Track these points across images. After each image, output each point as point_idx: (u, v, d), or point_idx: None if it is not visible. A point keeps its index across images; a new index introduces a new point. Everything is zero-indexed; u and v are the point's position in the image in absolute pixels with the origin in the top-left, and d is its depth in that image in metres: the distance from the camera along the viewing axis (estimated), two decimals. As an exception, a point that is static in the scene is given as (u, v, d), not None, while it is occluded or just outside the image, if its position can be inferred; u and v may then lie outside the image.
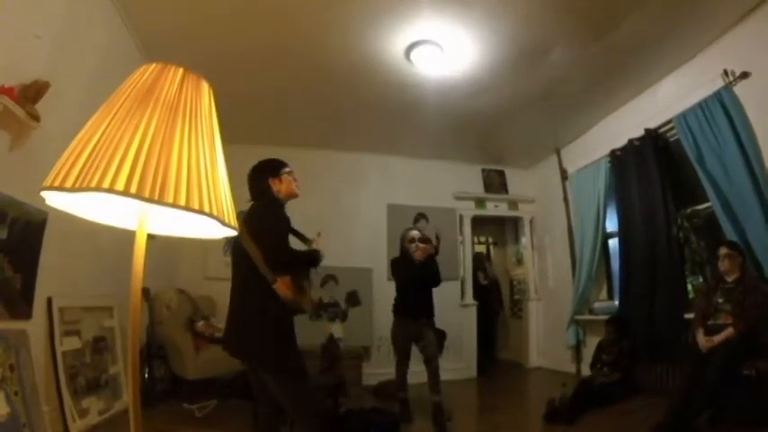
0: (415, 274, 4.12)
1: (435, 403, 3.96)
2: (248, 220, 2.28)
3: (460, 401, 4.93)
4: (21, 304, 2.77)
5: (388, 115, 5.61)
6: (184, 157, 0.96)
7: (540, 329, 6.99)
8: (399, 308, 4.24)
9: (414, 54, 4.23)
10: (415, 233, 4.27)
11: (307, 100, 5.26)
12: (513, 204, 7.39)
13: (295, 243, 2.51)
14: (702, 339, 3.33)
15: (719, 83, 3.93)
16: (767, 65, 3.60)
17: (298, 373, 2.24)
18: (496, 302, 7.54)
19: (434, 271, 4.25)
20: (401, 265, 4.24)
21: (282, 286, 2.20)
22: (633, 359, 4.57)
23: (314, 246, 2.57)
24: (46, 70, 2.74)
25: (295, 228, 2.51)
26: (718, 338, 3.23)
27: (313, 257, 2.47)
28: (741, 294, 3.30)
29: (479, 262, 7.57)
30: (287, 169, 2.50)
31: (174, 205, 0.90)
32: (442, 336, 4.39)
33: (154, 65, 1.05)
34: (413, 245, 4.18)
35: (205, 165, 1.00)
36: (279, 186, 2.43)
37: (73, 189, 0.87)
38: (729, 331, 3.20)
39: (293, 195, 2.50)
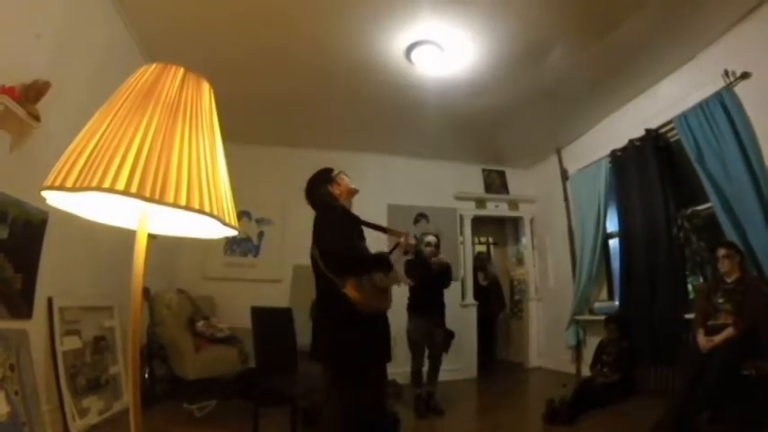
0: (430, 275, 4.42)
1: (430, 392, 4.42)
2: (313, 230, 2.39)
3: (460, 401, 4.92)
4: (21, 304, 2.77)
5: (389, 115, 5.60)
6: (185, 156, 0.96)
7: (540, 329, 6.99)
8: (414, 307, 4.57)
9: (414, 54, 4.22)
10: (431, 238, 4.67)
11: (307, 100, 5.25)
12: (514, 204, 7.38)
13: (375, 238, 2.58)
14: (703, 340, 3.33)
15: (720, 83, 3.92)
16: (768, 65, 3.61)
17: (344, 382, 2.26)
18: (497, 302, 7.53)
19: (448, 275, 4.64)
20: (417, 267, 4.45)
21: (350, 289, 2.20)
22: (633, 359, 4.57)
23: (401, 239, 2.47)
24: (46, 70, 2.74)
25: (369, 221, 2.58)
26: (718, 338, 3.23)
27: (379, 261, 2.37)
28: (741, 294, 3.30)
29: (480, 262, 7.57)
30: (339, 174, 2.60)
31: (175, 205, 0.90)
32: (450, 335, 4.64)
33: (154, 65, 1.05)
34: (429, 248, 4.57)
35: (206, 164, 1.00)
36: (338, 189, 2.54)
37: (73, 189, 0.87)
38: (729, 331, 3.20)
39: (353, 192, 2.60)
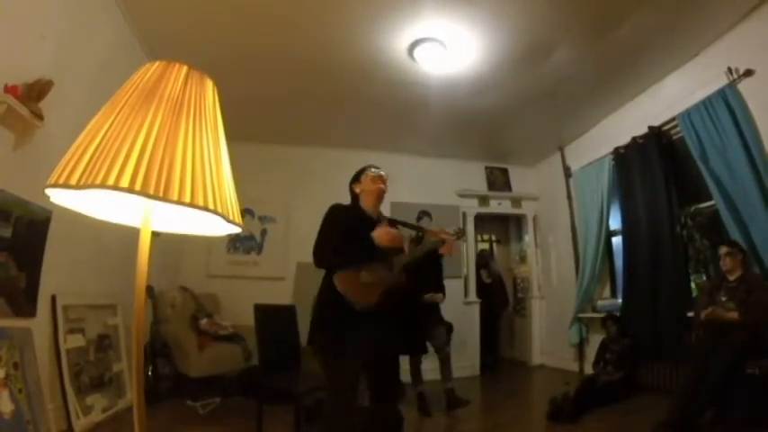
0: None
1: (448, 390, 4.32)
2: None
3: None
4: (25, 302, 2.78)
5: (391, 113, 5.60)
6: (189, 153, 0.96)
7: (543, 327, 6.98)
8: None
9: (417, 52, 4.21)
10: None
11: (310, 98, 5.25)
12: (517, 202, 7.37)
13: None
14: (706, 312, 3.35)
15: (723, 80, 3.90)
16: (772, 62, 3.59)
17: (328, 353, 2.35)
18: (500, 300, 7.52)
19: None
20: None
21: (337, 279, 2.36)
22: (635, 357, 4.57)
23: (432, 238, 2.60)
24: (49, 69, 2.74)
25: (405, 221, 2.79)
26: (725, 314, 3.24)
27: (342, 263, 2.42)
28: (744, 292, 3.29)
29: (483, 260, 7.56)
30: (366, 172, 2.69)
31: (179, 202, 0.90)
32: (449, 328, 4.66)
33: (158, 63, 1.05)
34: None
35: (209, 162, 1.00)
36: (359, 188, 2.67)
37: (77, 186, 0.87)
38: (734, 315, 3.19)
39: (369, 192, 2.65)
